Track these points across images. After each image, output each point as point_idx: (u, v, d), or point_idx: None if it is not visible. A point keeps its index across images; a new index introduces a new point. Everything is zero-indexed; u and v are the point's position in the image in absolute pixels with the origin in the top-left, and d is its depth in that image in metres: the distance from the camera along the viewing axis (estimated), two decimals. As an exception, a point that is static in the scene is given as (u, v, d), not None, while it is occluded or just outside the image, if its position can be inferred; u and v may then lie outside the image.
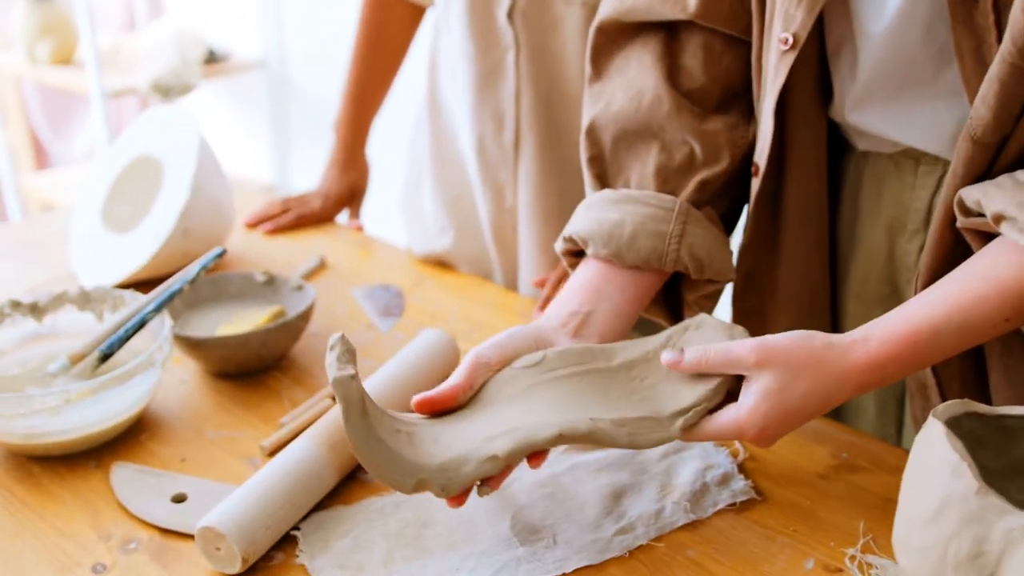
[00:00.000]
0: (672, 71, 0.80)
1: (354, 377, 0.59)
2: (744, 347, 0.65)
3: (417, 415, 0.66)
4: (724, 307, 0.87)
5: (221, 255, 0.83)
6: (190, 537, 0.67)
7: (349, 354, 0.60)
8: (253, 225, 1.24)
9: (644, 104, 0.79)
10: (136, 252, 1.03)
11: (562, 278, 1.03)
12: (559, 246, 0.80)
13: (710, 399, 0.66)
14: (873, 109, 0.75)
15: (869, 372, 0.64)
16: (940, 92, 0.70)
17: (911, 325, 0.64)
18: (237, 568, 0.63)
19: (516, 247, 1.12)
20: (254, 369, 0.89)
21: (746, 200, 0.84)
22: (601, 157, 0.81)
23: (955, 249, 0.70)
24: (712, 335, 0.70)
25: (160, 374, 0.79)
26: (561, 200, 1.07)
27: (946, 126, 0.71)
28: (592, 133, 0.81)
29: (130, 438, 0.80)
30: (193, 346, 0.85)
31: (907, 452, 0.76)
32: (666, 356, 0.68)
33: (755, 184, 0.80)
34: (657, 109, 0.79)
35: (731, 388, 0.67)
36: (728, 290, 0.85)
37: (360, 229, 1.29)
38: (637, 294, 0.77)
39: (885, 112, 0.74)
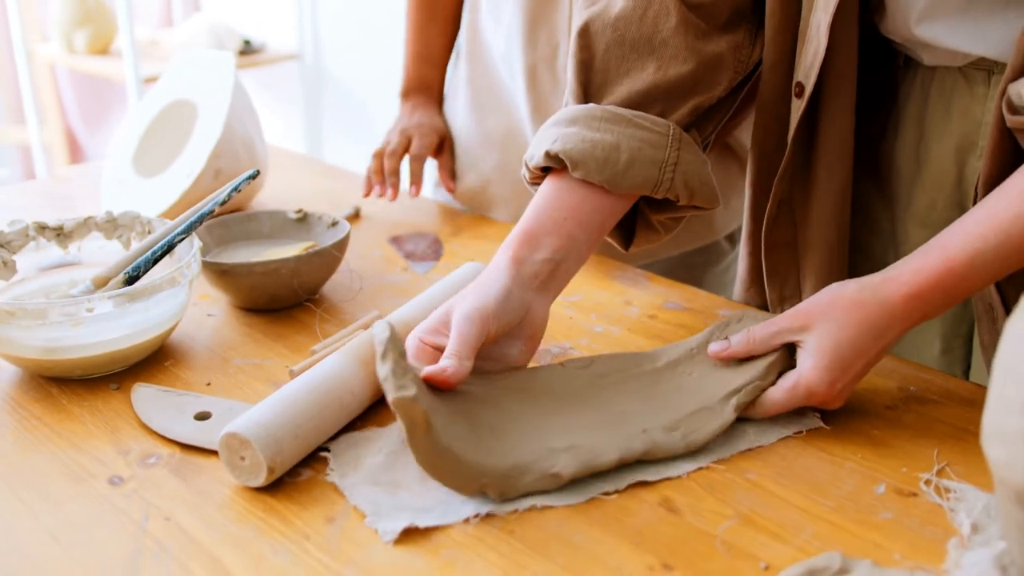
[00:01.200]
0: None
1: (415, 398, 0.55)
2: (785, 317, 0.66)
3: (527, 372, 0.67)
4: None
5: (254, 176, 0.80)
6: (213, 453, 0.63)
7: (403, 364, 0.57)
8: (369, 193, 1.09)
9: (650, 13, 0.74)
10: (166, 193, 1.00)
11: None
12: (536, 160, 0.73)
13: (763, 377, 0.65)
14: (942, 21, 0.70)
15: (910, 302, 0.63)
16: (1012, 1, 0.66)
17: (945, 252, 0.62)
18: (262, 479, 0.59)
19: None
20: (285, 303, 0.85)
21: (723, 120, 0.80)
22: (590, 64, 0.75)
23: (1014, 158, 0.65)
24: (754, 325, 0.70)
25: (187, 296, 0.76)
26: None
27: (1018, 32, 0.66)
28: (585, 35, 0.75)
29: (153, 363, 0.76)
30: (221, 274, 0.82)
31: (978, 386, 0.71)
32: (713, 347, 0.68)
33: (797, 106, 0.75)
34: (663, 21, 0.74)
35: (783, 368, 0.66)
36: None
37: (452, 189, 1.15)
38: (611, 222, 0.74)
39: (955, 23, 0.69)
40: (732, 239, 1.14)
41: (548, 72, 1.02)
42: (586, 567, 0.53)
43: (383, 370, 0.56)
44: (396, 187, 1.09)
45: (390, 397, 0.55)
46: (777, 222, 0.81)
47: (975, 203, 0.69)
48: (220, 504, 0.59)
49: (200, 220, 0.79)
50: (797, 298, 0.83)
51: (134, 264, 0.77)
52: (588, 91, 0.75)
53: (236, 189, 0.80)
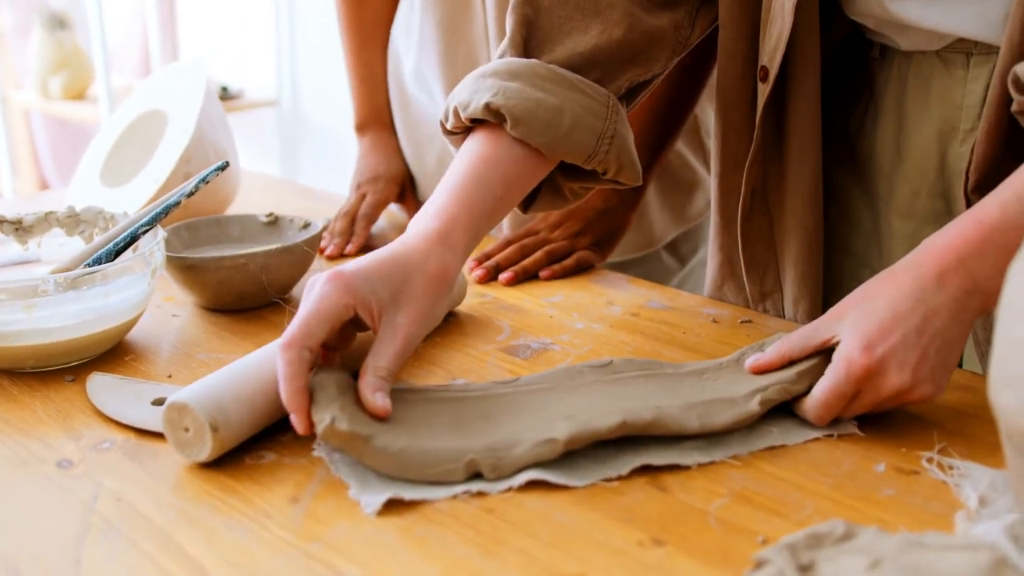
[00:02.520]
0: None
1: (332, 422, 0.53)
2: (820, 318, 0.63)
3: (464, 382, 0.63)
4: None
5: (223, 168, 0.77)
6: (171, 438, 0.59)
7: (322, 399, 0.55)
8: (333, 256, 0.99)
9: None
10: (133, 200, 0.97)
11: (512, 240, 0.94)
12: (472, 109, 0.68)
13: (792, 382, 0.61)
14: None
15: (942, 260, 0.59)
16: None
17: (975, 211, 0.60)
18: (209, 444, 0.54)
19: None
20: (254, 302, 0.81)
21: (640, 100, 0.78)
22: (532, 20, 0.73)
23: (1010, 139, 0.64)
24: None
25: (150, 286, 0.72)
26: None
27: (996, 10, 0.66)
28: None
29: (112, 358, 0.72)
30: (187, 269, 0.78)
31: (973, 373, 0.69)
32: (750, 361, 0.64)
33: (763, 90, 0.74)
34: None
35: (815, 378, 0.61)
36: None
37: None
38: (531, 185, 0.72)
39: (930, 1, 0.69)
40: (676, 253, 1.11)
41: None
42: (571, 542, 0.49)
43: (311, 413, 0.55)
44: (340, 247, 0.99)
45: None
46: (752, 213, 0.79)
47: (965, 188, 0.67)
48: (175, 485, 0.55)
49: (166, 211, 0.76)
50: (779, 292, 0.81)
51: (95, 255, 0.73)
52: (528, 46, 0.73)
53: (204, 180, 0.77)
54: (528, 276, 0.90)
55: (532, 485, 0.54)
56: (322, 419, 0.54)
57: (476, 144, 0.70)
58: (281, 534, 0.50)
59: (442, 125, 0.74)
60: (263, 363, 0.60)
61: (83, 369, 0.70)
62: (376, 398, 0.57)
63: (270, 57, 2.72)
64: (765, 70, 0.73)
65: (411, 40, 1.05)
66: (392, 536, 0.49)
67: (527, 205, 0.77)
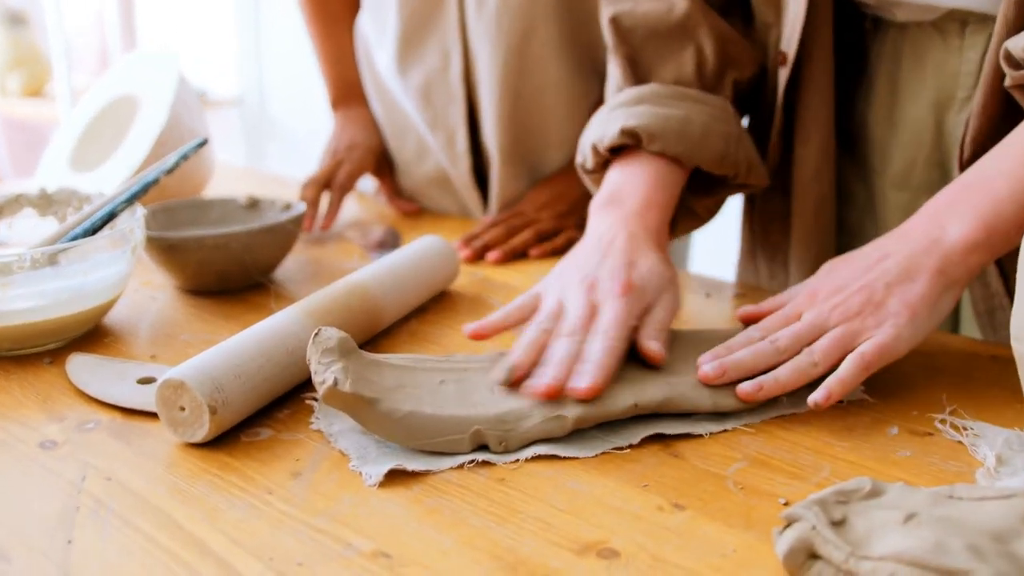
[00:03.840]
0: None
1: (334, 384, 0.51)
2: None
3: (465, 355, 0.61)
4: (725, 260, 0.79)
5: (202, 144, 0.74)
6: (158, 416, 0.57)
7: (324, 360, 0.53)
8: (310, 226, 0.97)
9: (676, 11, 0.75)
10: (105, 186, 0.93)
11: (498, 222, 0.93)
12: (609, 139, 0.70)
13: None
14: None
15: (919, 215, 0.60)
16: None
17: (956, 180, 0.60)
18: (206, 424, 0.51)
19: (471, 193, 1.03)
20: (236, 283, 0.79)
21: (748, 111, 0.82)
22: (634, 57, 0.76)
23: (1005, 112, 0.64)
24: None
25: (129, 266, 0.69)
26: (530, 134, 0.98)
27: None
28: (618, 29, 0.76)
29: (91, 340, 0.69)
30: (167, 249, 0.75)
31: (975, 340, 0.68)
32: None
33: (783, 75, 0.75)
34: (692, 14, 0.75)
35: None
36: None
37: (408, 211, 1.06)
38: (671, 199, 0.71)
39: None
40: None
41: (442, 84, 0.98)
42: (589, 509, 0.47)
43: (313, 374, 0.53)
44: (312, 218, 0.97)
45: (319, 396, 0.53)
46: (770, 194, 0.79)
47: (960, 160, 0.67)
48: (168, 464, 0.52)
49: (144, 189, 0.73)
50: (784, 274, 0.81)
51: (71, 234, 0.70)
52: (637, 76, 0.75)
53: (184, 156, 0.74)
54: (516, 255, 0.88)
55: (540, 455, 0.52)
56: (324, 380, 0.51)
57: (616, 170, 0.72)
58: (285, 509, 0.47)
59: (581, 169, 0.76)
60: (263, 339, 0.57)
61: (61, 352, 0.66)
62: (654, 347, 0.59)
63: (233, 54, 2.67)
64: (784, 55, 0.74)
65: (385, 36, 1.02)
66: (401, 508, 0.47)
67: (672, 231, 0.77)
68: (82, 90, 2.61)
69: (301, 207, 0.83)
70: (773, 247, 0.82)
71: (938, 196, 0.60)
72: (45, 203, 0.76)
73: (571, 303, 0.61)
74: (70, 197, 0.77)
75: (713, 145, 0.71)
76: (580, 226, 0.94)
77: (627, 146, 0.71)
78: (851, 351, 0.56)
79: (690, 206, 0.77)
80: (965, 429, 0.55)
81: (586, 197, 0.96)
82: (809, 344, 0.57)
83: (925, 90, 0.73)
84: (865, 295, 0.57)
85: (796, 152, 0.77)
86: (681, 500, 0.48)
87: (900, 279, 0.57)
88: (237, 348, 0.56)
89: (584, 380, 0.54)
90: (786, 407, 0.58)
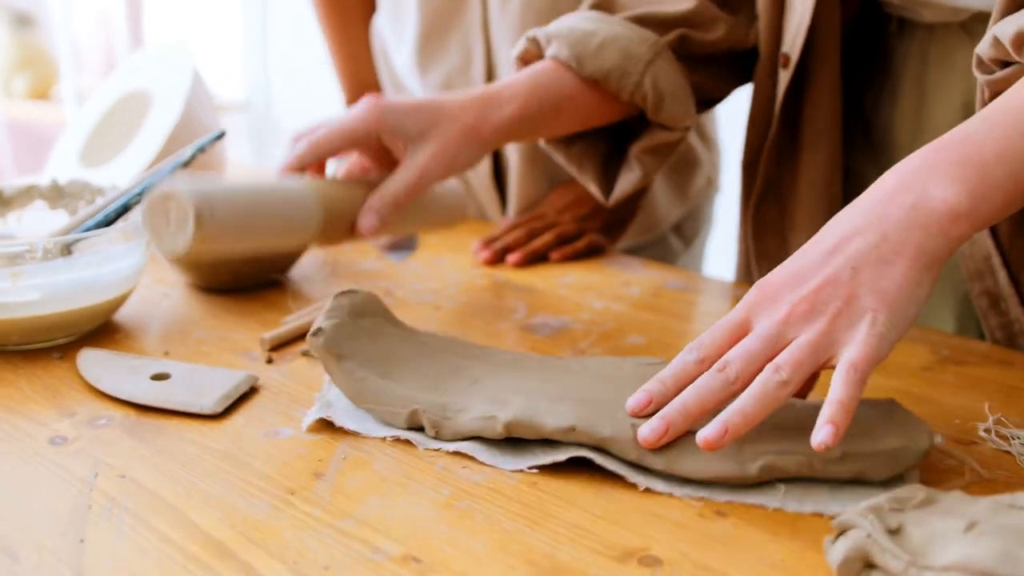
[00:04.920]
0: None
1: (317, 333, 0.54)
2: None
3: (496, 351, 0.59)
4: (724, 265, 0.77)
5: (220, 137, 0.72)
6: (174, 414, 0.55)
7: (331, 312, 0.55)
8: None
9: None
10: (116, 181, 0.91)
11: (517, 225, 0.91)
12: (519, 46, 0.75)
13: (805, 450, 0.46)
14: None
15: (890, 179, 0.49)
16: None
17: (934, 141, 0.50)
18: (191, 228, 0.52)
19: (490, 194, 1.02)
20: (250, 281, 0.76)
21: (718, 100, 0.81)
22: (607, 5, 0.77)
23: None
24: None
25: (142, 259, 0.67)
26: None
27: None
28: None
29: (102, 335, 0.67)
30: (181, 245, 0.73)
31: (1016, 351, 0.66)
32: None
33: (783, 78, 0.73)
34: None
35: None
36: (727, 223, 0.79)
37: None
38: (576, 118, 0.73)
39: None
40: (681, 234, 1.09)
41: (463, 83, 0.96)
42: (627, 516, 0.45)
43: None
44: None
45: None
46: (764, 203, 0.77)
47: None
48: (184, 462, 0.50)
49: (159, 181, 0.71)
50: None
51: (84, 226, 0.68)
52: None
53: (201, 149, 0.72)
54: (537, 258, 0.86)
55: (576, 462, 0.49)
56: (316, 326, 0.54)
57: (532, 68, 0.73)
58: (308, 511, 0.45)
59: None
60: (268, 182, 0.60)
61: (71, 348, 0.64)
62: (366, 219, 0.59)
63: (240, 58, 2.66)
64: (787, 57, 0.72)
65: (404, 36, 1.01)
66: (430, 511, 0.45)
67: (608, 192, 0.77)
68: (89, 93, 2.60)
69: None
70: (770, 260, 0.79)
71: (911, 158, 0.49)
72: (57, 195, 0.75)
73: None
74: (82, 190, 0.75)
75: (609, 56, 0.70)
76: (602, 230, 0.93)
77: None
78: (825, 362, 0.46)
79: (627, 154, 0.76)
80: (1013, 439, 0.53)
81: (608, 200, 0.95)
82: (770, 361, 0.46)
83: (954, 93, 0.71)
84: (830, 289, 0.46)
85: (802, 160, 0.75)
86: (722, 508, 0.46)
87: (872, 262, 0.46)
88: (232, 183, 0.58)
89: None
90: (782, 501, 0.45)
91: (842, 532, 0.40)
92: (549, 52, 0.70)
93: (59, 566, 0.41)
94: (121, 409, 0.56)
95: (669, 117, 0.72)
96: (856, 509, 0.40)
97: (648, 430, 0.46)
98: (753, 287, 0.49)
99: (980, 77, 0.57)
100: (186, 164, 0.72)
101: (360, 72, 1.12)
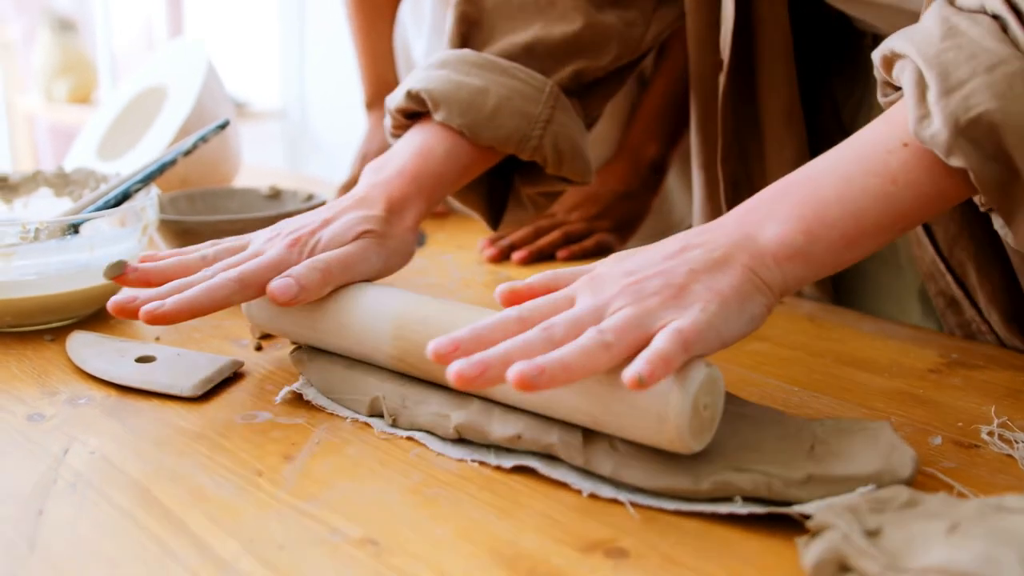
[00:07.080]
0: None
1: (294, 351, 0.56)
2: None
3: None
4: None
5: (224, 126, 0.73)
6: (155, 396, 0.54)
7: None
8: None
9: None
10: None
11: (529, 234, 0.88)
12: (397, 100, 0.66)
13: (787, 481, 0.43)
14: None
15: (735, 212, 0.50)
16: None
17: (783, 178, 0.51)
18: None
19: None
20: (250, 272, 0.76)
21: (600, 117, 0.75)
22: (474, 19, 0.69)
23: None
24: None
25: (139, 244, 0.67)
26: None
27: None
28: None
29: (95, 322, 0.67)
30: (182, 233, 0.73)
31: (1016, 351, 0.64)
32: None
33: (721, 81, 0.71)
34: None
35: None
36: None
37: (441, 212, 1.02)
38: (465, 177, 0.66)
39: None
40: None
41: None
42: (597, 508, 0.43)
43: None
44: None
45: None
46: (735, 206, 0.75)
47: None
48: (158, 442, 0.49)
49: (160, 169, 0.71)
50: None
51: (85, 212, 0.68)
52: (468, 44, 0.69)
53: (203, 139, 0.72)
54: (543, 257, 0.85)
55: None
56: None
57: (404, 136, 0.66)
58: (273, 492, 0.44)
59: (387, 131, 0.70)
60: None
61: (64, 331, 0.64)
62: (272, 284, 0.53)
63: (277, 66, 2.69)
64: (721, 62, 0.70)
65: (422, 26, 1.01)
66: (397, 496, 0.44)
67: (496, 221, 0.73)
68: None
69: (323, 198, 0.81)
70: None
71: (760, 193, 0.50)
72: (62, 182, 0.75)
73: (269, 245, 0.57)
74: (87, 177, 0.75)
75: (506, 124, 0.63)
76: (612, 229, 0.91)
77: (423, 113, 0.66)
78: (652, 336, 0.43)
79: (518, 193, 0.71)
80: (1016, 443, 0.50)
81: (618, 200, 0.93)
82: None
83: None
84: (663, 279, 0.45)
85: (768, 161, 0.72)
86: (701, 502, 0.44)
87: (707, 268, 0.46)
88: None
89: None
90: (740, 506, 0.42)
91: (817, 532, 0.38)
92: (438, 117, 0.64)
93: (14, 536, 0.40)
94: (104, 390, 0.55)
95: (571, 173, 0.68)
96: (833, 509, 0.39)
97: (466, 363, 0.41)
98: (582, 276, 0.47)
99: (881, 100, 0.54)
100: (187, 152, 0.72)
101: (382, 73, 1.12)
